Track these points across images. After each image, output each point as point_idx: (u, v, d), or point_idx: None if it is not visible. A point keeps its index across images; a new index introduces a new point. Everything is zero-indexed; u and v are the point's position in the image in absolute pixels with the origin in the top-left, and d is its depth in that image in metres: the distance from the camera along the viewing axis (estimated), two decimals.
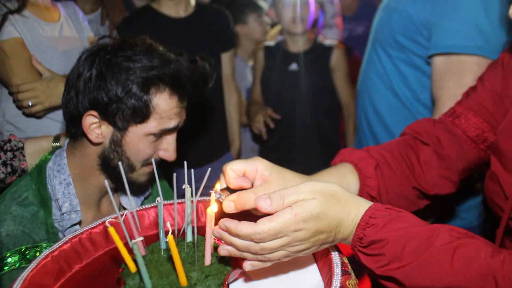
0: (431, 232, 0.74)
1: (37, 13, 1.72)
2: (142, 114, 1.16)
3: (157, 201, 0.84)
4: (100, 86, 1.14)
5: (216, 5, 2.48)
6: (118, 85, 1.13)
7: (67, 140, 1.27)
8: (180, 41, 2.28)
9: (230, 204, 0.81)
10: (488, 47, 1.33)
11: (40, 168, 1.24)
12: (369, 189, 1.04)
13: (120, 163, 0.76)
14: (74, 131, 1.21)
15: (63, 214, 1.20)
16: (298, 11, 2.46)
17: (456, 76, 1.36)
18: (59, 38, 1.75)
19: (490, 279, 0.70)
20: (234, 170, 0.88)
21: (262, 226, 0.72)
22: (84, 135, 1.19)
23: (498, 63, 1.11)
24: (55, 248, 0.89)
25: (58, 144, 1.34)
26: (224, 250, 0.78)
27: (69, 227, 1.20)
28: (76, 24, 1.86)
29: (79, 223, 1.23)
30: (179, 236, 0.88)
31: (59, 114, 1.69)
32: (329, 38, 2.94)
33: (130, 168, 1.22)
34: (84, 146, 1.22)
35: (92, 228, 0.98)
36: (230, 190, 0.86)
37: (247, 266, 0.78)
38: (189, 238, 0.85)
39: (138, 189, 1.36)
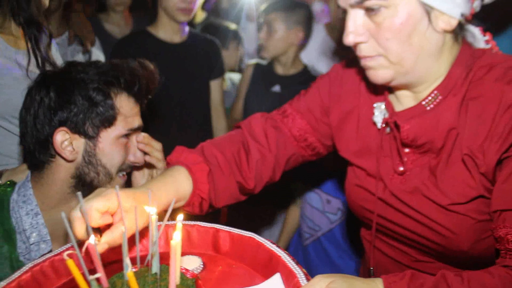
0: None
1: (7, 39, 1.67)
2: (109, 117, 1.20)
3: (121, 230, 0.82)
4: (65, 101, 1.17)
5: (208, 34, 2.58)
6: (80, 95, 1.18)
7: (29, 174, 1.26)
8: (172, 66, 2.34)
9: (105, 246, 0.85)
10: None
11: (2, 201, 1.20)
12: (200, 192, 1.13)
13: (79, 193, 0.73)
14: (41, 158, 1.21)
15: (30, 245, 1.17)
16: (259, 39, 2.46)
17: None
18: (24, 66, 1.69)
19: None
20: (99, 210, 0.87)
21: None
22: (56, 155, 1.20)
23: (327, 76, 1.29)
24: (13, 278, 0.85)
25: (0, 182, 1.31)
26: None
27: (38, 258, 1.17)
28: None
29: (48, 253, 1.19)
30: (145, 265, 0.85)
31: None
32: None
33: (108, 177, 1.24)
34: (53, 172, 1.21)
35: (55, 256, 0.95)
36: (94, 230, 0.85)
37: None
38: (154, 268, 0.83)
39: None
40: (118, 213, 0.89)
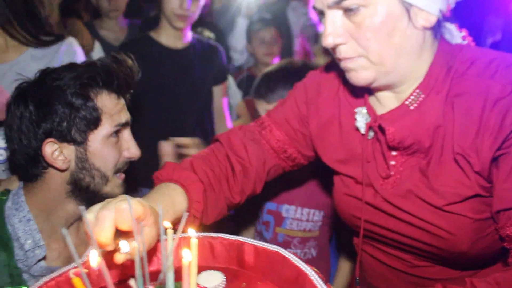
0: None
1: None
2: (94, 118, 1.19)
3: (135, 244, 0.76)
4: (45, 112, 1.16)
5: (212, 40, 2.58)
6: (60, 104, 1.16)
7: (21, 183, 1.25)
8: (175, 71, 2.32)
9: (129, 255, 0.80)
10: None
11: None
12: (194, 211, 1.08)
13: (82, 207, 0.68)
14: (33, 172, 1.21)
15: (26, 252, 1.17)
16: None
17: None
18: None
19: None
20: (136, 211, 0.81)
21: None
22: (49, 167, 1.19)
23: (302, 85, 1.25)
24: None
25: None
26: None
27: (35, 264, 1.17)
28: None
29: (44, 258, 1.20)
30: (158, 282, 0.79)
31: None
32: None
33: (104, 180, 1.23)
34: (46, 182, 1.21)
35: (70, 269, 0.90)
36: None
37: None
38: (170, 286, 0.77)
39: None
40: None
